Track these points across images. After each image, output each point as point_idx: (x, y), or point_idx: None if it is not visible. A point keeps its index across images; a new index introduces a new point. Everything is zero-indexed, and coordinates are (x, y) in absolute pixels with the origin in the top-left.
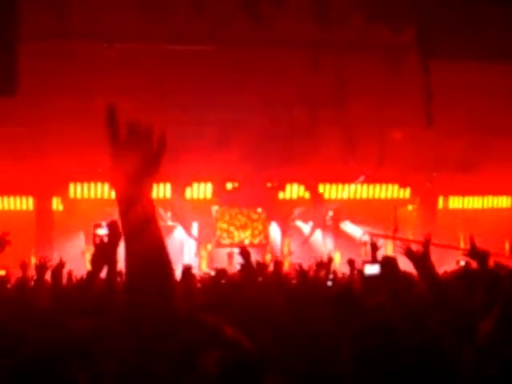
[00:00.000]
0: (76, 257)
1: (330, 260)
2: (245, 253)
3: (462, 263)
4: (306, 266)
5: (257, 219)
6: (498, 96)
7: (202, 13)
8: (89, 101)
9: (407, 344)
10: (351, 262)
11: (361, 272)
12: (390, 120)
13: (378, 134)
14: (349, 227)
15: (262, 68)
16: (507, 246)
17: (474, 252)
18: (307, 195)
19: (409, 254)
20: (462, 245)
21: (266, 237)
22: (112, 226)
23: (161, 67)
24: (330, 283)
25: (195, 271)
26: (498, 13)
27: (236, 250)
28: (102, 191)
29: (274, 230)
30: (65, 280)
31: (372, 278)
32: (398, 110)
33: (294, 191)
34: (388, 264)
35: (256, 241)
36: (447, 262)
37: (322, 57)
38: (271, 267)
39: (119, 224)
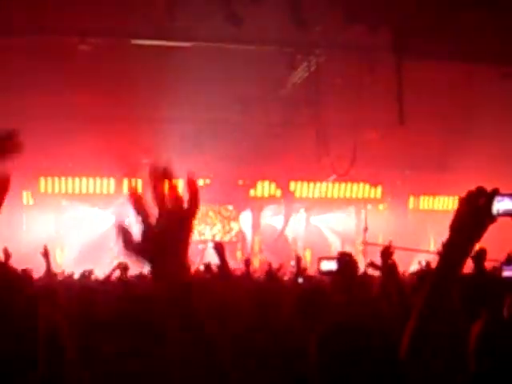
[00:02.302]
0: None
1: (299, 258)
2: (219, 248)
3: (423, 263)
4: (276, 264)
5: (227, 216)
6: (471, 96)
7: (178, 9)
8: (61, 96)
9: (374, 345)
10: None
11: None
12: (363, 119)
13: (351, 133)
14: (321, 226)
15: (237, 66)
16: (477, 246)
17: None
18: (278, 193)
19: (371, 264)
20: (432, 245)
21: (237, 234)
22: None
23: (135, 64)
24: (300, 280)
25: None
26: (473, 15)
27: (210, 245)
28: (73, 186)
29: (245, 228)
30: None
31: (328, 273)
32: (371, 109)
33: (265, 189)
34: (344, 260)
35: (226, 238)
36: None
37: (296, 56)
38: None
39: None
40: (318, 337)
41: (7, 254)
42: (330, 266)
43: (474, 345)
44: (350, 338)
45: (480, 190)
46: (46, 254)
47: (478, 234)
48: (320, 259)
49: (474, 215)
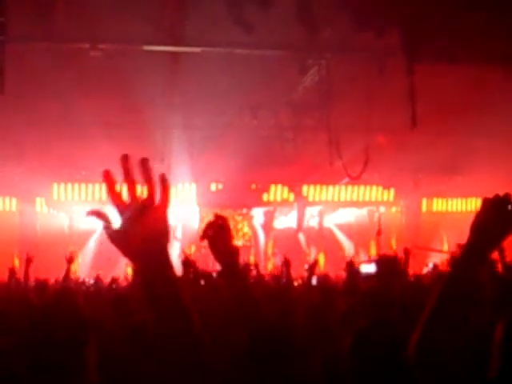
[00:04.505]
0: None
1: (316, 262)
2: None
3: (430, 265)
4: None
5: (241, 221)
6: (483, 98)
7: (188, 15)
8: (73, 102)
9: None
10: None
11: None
12: (375, 122)
13: (363, 137)
14: (335, 230)
15: (248, 71)
16: None
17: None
18: (291, 197)
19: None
20: (445, 247)
21: (250, 238)
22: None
23: (147, 69)
24: (314, 282)
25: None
26: (482, 16)
27: None
28: (86, 192)
29: (258, 232)
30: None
31: (369, 276)
32: (383, 112)
33: (278, 193)
34: (384, 263)
35: (240, 242)
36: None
37: (307, 60)
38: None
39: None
40: (352, 336)
41: (29, 259)
42: (370, 268)
43: (497, 349)
44: (382, 339)
45: (507, 197)
46: (70, 261)
47: (499, 240)
48: (360, 263)
49: (499, 221)
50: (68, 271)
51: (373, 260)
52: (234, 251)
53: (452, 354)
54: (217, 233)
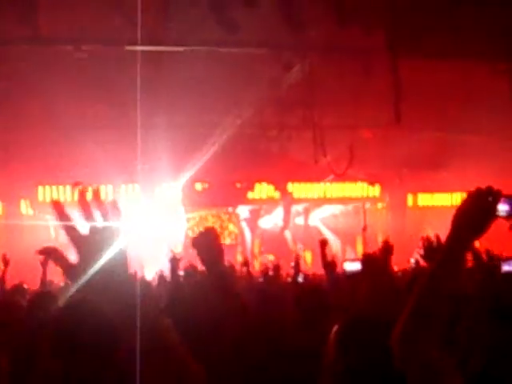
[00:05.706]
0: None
1: (298, 257)
2: None
3: (412, 261)
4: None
5: (227, 219)
6: (467, 94)
7: (171, 14)
8: (58, 104)
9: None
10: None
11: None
12: (359, 119)
13: (348, 133)
14: (321, 227)
15: (231, 69)
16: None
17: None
18: (277, 195)
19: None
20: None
21: (236, 237)
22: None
23: (130, 69)
24: (300, 279)
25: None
26: (466, 12)
27: None
28: (72, 194)
29: (245, 230)
30: None
31: (353, 274)
32: (368, 108)
33: (263, 191)
34: (369, 261)
35: (226, 241)
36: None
37: (292, 58)
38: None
39: None
40: (338, 329)
41: (6, 261)
42: (354, 266)
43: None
44: (369, 331)
45: (490, 190)
46: (44, 263)
47: (481, 233)
48: (344, 261)
49: (482, 214)
50: (44, 273)
51: (357, 258)
52: (220, 253)
53: (434, 346)
54: (205, 239)
